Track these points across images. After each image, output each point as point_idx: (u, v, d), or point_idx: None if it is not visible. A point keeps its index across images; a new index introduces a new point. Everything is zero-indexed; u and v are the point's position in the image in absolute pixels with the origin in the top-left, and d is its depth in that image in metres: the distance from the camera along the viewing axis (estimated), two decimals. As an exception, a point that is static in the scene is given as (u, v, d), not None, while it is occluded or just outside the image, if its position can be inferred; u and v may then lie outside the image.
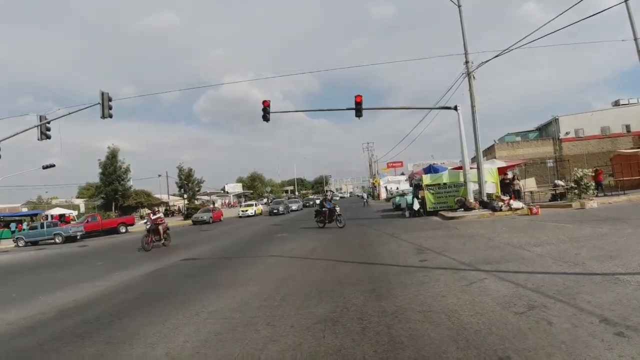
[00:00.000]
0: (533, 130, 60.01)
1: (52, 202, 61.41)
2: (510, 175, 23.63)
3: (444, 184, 21.71)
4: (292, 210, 44.67)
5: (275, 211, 40.60)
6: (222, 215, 38.35)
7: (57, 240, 24.20)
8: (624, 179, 21.04)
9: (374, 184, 71.40)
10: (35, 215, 37.56)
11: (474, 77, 20.31)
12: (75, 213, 45.64)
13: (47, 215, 40.11)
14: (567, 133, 52.29)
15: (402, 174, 75.90)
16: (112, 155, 52.41)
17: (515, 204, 18.07)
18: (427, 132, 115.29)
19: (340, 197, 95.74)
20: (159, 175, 63.15)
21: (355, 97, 20.00)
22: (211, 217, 35.08)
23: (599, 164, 29.33)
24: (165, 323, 6.03)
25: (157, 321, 6.16)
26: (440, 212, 20.57)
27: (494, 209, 18.15)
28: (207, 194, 71.35)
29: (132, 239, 24.81)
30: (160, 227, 16.90)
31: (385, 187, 66.99)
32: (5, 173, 39.92)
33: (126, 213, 44.95)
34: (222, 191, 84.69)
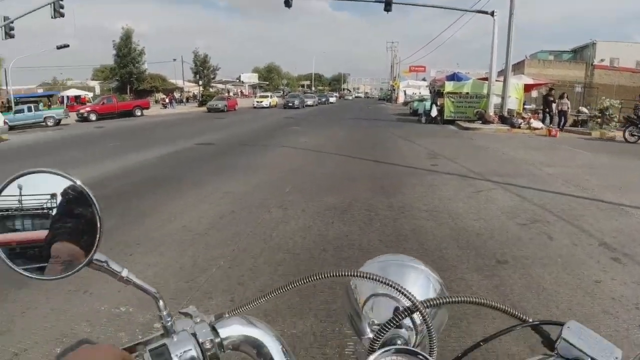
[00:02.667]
0: (567, 51, 56.43)
1: (67, 83, 60.86)
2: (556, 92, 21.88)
3: (466, 93, 21.12)
4: (307, 105, 44.27)
5: (290, 104, 40.25)
6: (236, 104, 38.15)
7: (48, 124, 23.36)
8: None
9: (393, 86, 69.53)
10: (52, 96, 37.12)
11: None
12: (90, 95, 45.50)
13: (63, 97, 40.06)
14: (601, 60, 49.28)
15: (424, 79, 73.42)
16: (127, 37, 50.76)
17: (535, 123, 17.65)
18: (455, 38, 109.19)
19: (355, 97, 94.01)
20: (174, 60, 61.40)
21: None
22: (226, 106, 34.95)
23: (628, 97, 28.04)
24: (182, 200, 6.36)
25: (174, 198, 6.49)
26: (457, 122, 20.30)
27: (512, 125, 17.82)
28: (222, 82, 70.26)
29: (148, 122, 25.09)
30: None
31: (404, 91, 65.35)
32: (20, 54, 38.94)
33: (141, 97, 44.72)
34: (238, 80, 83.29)
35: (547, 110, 18.98)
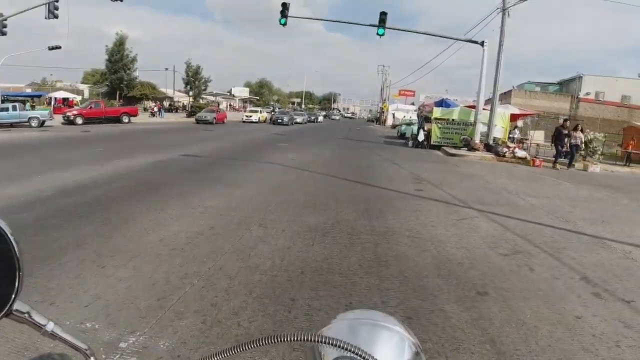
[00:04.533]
0: (554, 84, 57.93)
1: (56, 85, 60.17)
2: (571, 124, 19.14)
3: (453, 120, 21.36)
4: (296, 123, 44.33)
5: (279, 121, 40.23)
6: (225, 117, 37.91)
7: (32, 124, 22.65)
8: (632, 151, 20.60)
9: (382, 108, 70.31)
10: (39, 97, 36.70)
11: (508, 15, 19.17)
12: (79, 98, 44.99)
13: (50, 98, 39.56)
14: (587, 93, 50.60)
15: (412, 103, 74.46)
16: (120, 43, 50.67)
17: (520, 152, 17.93)
18: (445, 65, 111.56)
19: (345, 117, 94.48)
20: (166, 69, 61.33)
21: (380, 13, 19.07)
22: (214, 118, 34.73)
23: (612, 131, 28.75)
24: (161, 212, 6.20)
25: (154, 209, 6.33)
26: (443, 148, 20.50)
27: (497, 154, 18.08)
28: (213, 95, 70.45)
29: (134, 130, 24.84)
30: None
31: (393, 114, 66.11)
32: (11, 52, 38.47)
33: (130, 103, 44.36)
34: (229, 94, 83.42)
35: (559, 144, 16.77)
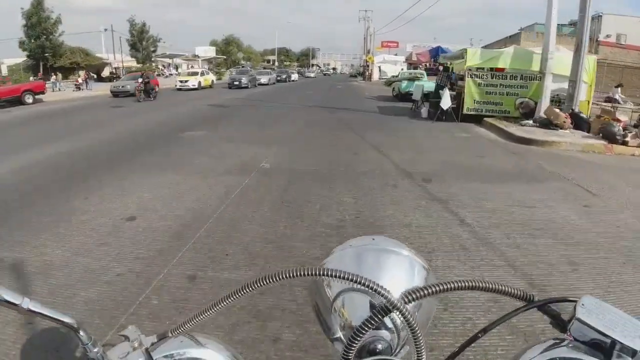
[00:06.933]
0: (567, 25, 48.74)
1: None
2: None
3: (496, 70, 12.30)
4: (260, 84, 34.81)
5: (236, 83, 30.56)
6: (157, 84, 26.89)
7: None
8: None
9: (367, 61, 60.25)
10: None
11: None
12: (-7, 76, 34.95)
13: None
14: (607, 36, 42.14)
15: (396, 54, 65.44)
16: (37, 3, 40.71)
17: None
18: (425, 16, 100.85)
19: (324, 74, 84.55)
20: (105, 29, 50.92)
21: None
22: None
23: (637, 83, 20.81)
24: None
25: None
26: (486, 120, 11.76)
27: (611, 139, 9.15)
28: (169, 57, 60.22)
29: (17, 116, 15.81)
30: None
31: (379, 68, 56.69)
32: None
33: (62, 75, 34.66)
34: (193, 56, 72.59)
35: None
